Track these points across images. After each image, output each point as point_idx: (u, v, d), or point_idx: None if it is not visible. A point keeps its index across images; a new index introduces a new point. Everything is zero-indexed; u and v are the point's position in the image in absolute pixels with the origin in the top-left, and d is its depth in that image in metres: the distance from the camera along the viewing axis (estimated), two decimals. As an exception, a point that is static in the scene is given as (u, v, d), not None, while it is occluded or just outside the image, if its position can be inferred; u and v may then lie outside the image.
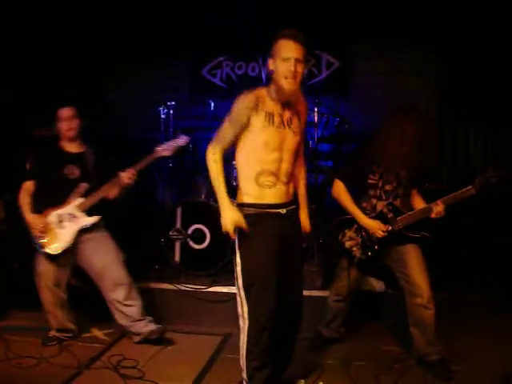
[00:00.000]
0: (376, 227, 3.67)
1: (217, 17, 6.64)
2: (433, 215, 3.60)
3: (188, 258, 5.21)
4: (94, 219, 4.07)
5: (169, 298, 4.78)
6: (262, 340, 2.94)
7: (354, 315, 4.10)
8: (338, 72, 7.01)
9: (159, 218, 5.73)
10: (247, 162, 3.01)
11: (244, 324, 2.97)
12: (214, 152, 3.03)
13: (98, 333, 4.39)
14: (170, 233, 5.24)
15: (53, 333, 4.14)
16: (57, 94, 6.00)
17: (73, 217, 4.02)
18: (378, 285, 4.77)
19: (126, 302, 4.06)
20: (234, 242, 3.00)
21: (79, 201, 4.04)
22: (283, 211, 3.01)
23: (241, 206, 3.01)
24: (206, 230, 5.13)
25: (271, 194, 2.98)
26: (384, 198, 3.72)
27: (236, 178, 3.23)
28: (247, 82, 6.98)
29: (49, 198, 4.06)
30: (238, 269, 2.98)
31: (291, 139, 3.01)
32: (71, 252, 4.05)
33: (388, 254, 3.75)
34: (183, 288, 4.79)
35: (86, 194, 4.06)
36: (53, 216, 4.01)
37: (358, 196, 3.80)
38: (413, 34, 6.52)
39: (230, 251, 3.11)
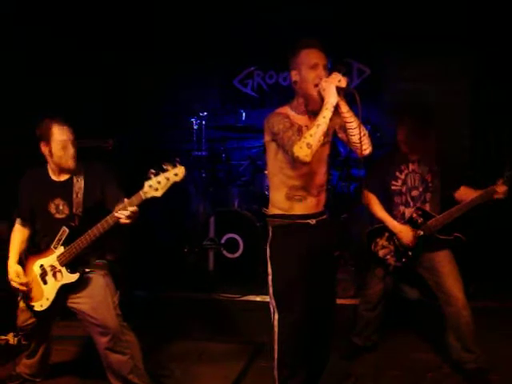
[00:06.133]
0: (406, 231, 3.65)
1: (246, 27, 6.70)
2: (497, 195, 3.50)
3: (221, 266, 5.25)
4: (75, 277, 3.18)
5: (203, 307, 4.82)
6: (292, 349, 2.94)
7: (387, 323, 4.07)
8: (368, 79, 7.00)
9: (193, 227, 5.80)
10: (278, 176, 2.97)
11: (275, 333, 2.97)
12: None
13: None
14: (204, 242, 5.30)
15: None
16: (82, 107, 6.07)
17: (55, 270, 3.22)
18: (411, 292, 4.75)
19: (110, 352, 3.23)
20: (266, 251, 3.02)
21: (60, 250, 3.20)
22: (313, 221, 2.99)
23: (271, 217, 3.02)
24: (240, 239, 5.17)
25: (301, 206, 2.96)
26: (412, 204, 3.71)
27: (268, 188, 3.22)
28: (278, 91, 7.00)
29: (39, 240, 3.39)
30: (270, 278, 3.00)
31: (320, 149, 2.82)
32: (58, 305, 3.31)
33: (419, 263, 3.72)
34: (217, 297, 4.83)
35: (67, 242, 3.19)
36: (36, 266, 3.28)
37: (387, 204, 3.78)
38: (442, 39, 6.47)
39: (263, 261, 3.12)
